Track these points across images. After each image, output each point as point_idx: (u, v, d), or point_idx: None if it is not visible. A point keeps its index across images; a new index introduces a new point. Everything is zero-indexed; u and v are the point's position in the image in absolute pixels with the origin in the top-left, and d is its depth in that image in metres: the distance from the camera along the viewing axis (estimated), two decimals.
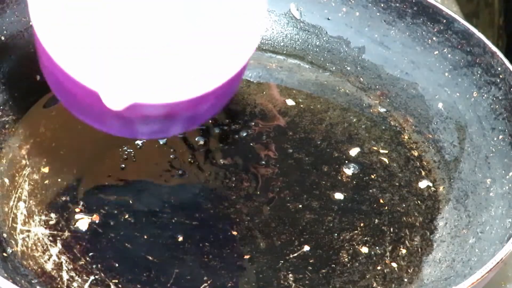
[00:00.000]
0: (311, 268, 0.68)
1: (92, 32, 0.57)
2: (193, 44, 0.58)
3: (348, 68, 0.83)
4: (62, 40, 0.57)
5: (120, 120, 0.59)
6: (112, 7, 0.58)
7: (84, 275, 0.65)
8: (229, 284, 0.66)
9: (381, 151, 0.77)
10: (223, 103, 0.62)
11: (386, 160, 0.76)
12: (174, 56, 0.58)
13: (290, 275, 0.67)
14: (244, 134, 0.77)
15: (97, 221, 0.68)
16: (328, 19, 0.84)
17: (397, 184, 0.75)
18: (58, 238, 0.67)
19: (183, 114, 0.60)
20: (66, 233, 0.68)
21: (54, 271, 0.65)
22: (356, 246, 0.70)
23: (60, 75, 0.57)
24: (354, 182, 0.74)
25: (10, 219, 0.68)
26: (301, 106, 0.80)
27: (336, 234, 0.70)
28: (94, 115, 0.61)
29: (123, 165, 0.73)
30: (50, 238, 0.67)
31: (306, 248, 0.69)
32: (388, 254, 0.70)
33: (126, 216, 0.69)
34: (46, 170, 0.71)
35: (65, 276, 0.65)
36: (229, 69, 0.58)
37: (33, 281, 0.64)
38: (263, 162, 0.75)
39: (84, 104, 0.60)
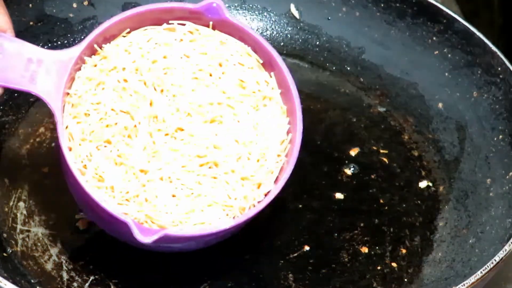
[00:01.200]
0: (311, 268, 0.68)
1: (124, 165, 0.58)
2: (222, 179, 0.59)
3: (348, 68, 0.83)
4: (93, 170, 0.58)
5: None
6: (144, 141, 0.59)
7: (84, 275, 0.65)
8: (229, 284, 0.66)
9: (381, 151, 0.77)
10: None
11: (386, 160, 0.76)
12: (204, 190, 0.59)
13: (290, 275, 0.67)
14: None
15: None
16: (328, 19, 0.84)
17: (397, 184, 0.75)
18: (58, 238, 0.67)
19: (207, 239, 0.61)
20: (66, 233, 0.67)
21: (54, 271, 0.65)
22: (356, 246, 0.70)
23: (90, 201, 0.58)
24: (354, 182, 0.74)
25: (10, 219, 0.68)
26: (301, 106, 0.80)
27: (336, 234, 0.70)
28: (122, 236, 0.62)
29: None
30: (50, 238, 0.67)
31: (306, 248, 0.69)
32: (388, 254, 0.69)
33: None
34: (46, 170, 0.71)
35: (65, 276, 0.65)
36: (259, 204, 0.60)
37: (33, 281, 0.64)
38: None
39: (113, 227, 0.61)
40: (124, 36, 0.61)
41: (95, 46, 0.60)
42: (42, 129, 0.74)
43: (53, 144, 0.73)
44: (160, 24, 0.62)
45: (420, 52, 0.81)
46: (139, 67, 0.60)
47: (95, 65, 0.60)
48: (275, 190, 0.60)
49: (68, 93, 0.59)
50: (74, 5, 0.80)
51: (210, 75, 0.61)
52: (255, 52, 0.62)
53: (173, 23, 0.62)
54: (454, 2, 0.95)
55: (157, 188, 0.58)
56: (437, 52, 0.80)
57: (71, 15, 0.80)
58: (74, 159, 0.58)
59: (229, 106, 0.60)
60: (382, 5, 0.82)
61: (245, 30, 0.62)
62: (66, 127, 0.59)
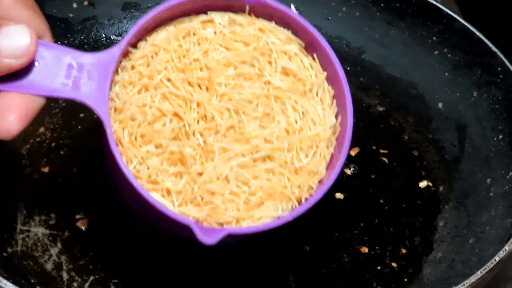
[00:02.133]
0: (311, 268, 0.68)
1: (177, 167, 0.57)
2: (277, 171, 0.58)
3: (348, 68, 0.83)
4: (147, 174, 0.56)
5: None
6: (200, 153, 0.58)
7: (84, 275, 0.65)
8: (230, 285, 0.66)
9: (381, 151, 0.77)
10: None
11: (386, 160, 0.76)
12: (260, 184, 0.58)
13: (290, 275, 0.67)
14: None
15: (97, 221, 0.68)
16: (328, 19, 0.84)
17: (397, 184, 0.75)
18: (58, 238, 0.67)
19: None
20: (66, 233, 0.68)
21: (54, 271, 0.65)
22: (356, 246, 0.70)
23: (147, 205, 0.56)
24: (354, 182, 0.74)
25: (10, 219, 0.68)
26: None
27: (336, 234, 0.70)
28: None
29: None
30: (50, 238, 0.67)
31: (306, 248, 0.69)
32: (388, 254, 0.70)
33: (126, 216, 0.69)
34: (46, 170, 0.71)
35: (65, 276, 0.65)
36: (316, 194, 0.59)
37: (33, 281, 0.64)
38: None
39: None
40: (158, 32, 0.59)
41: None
42: (42, 129, 0.74)
43: (53, 144, 0.73)
44: (192, 14, 0.59)
45: (420, 52, 0.81)
46: (181, 66, 0.58)
47: (133, 66, 0.58)
48: (333, 176, 0.59)
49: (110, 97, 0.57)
50: (74, 5, 0.80)
51: (253, 66, 0.59)
52: (295, 35, 0.60)
53: (209, 14, 0.59)
54: (454, 2, 0.95)
55: (213, 187, 0.57)
56: (437, 52, 0.80)
57: (71, 15, 0.80)
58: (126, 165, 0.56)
59: (276, 97, 0.59)
60: (382, 5, 0.82)
61: (286, 12, 0.59)
62: (114, 132, 0.56)
